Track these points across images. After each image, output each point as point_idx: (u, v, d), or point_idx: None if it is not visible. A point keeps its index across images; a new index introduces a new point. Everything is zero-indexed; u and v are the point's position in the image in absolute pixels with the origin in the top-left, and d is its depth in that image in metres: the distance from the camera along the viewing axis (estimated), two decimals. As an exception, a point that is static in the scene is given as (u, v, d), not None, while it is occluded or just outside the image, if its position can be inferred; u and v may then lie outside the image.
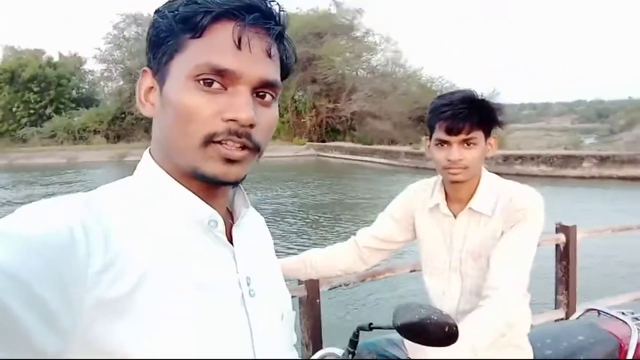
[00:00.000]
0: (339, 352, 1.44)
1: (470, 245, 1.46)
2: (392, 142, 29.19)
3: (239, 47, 0.59)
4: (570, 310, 2.85)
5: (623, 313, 1.86)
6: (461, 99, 1.39)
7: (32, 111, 38.14)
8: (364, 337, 1.37)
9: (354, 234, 1.73)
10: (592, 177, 16.23)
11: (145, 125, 33.38)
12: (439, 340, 1.04)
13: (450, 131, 1.38)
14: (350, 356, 1.29)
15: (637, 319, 1.83)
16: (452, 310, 1.48)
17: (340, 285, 2.19)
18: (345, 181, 18.41)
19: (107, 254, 0.52)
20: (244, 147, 0.60)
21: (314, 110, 34.20)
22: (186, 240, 0.62)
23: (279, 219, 11.22)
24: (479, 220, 1.45)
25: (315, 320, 2.10)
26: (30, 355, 0.44)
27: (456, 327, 1.04)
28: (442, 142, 1.42)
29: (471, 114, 1.37)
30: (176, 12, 0.60)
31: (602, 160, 16.61)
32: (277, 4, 0.63)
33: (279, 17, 0.63)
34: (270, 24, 0.61)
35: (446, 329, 1.03)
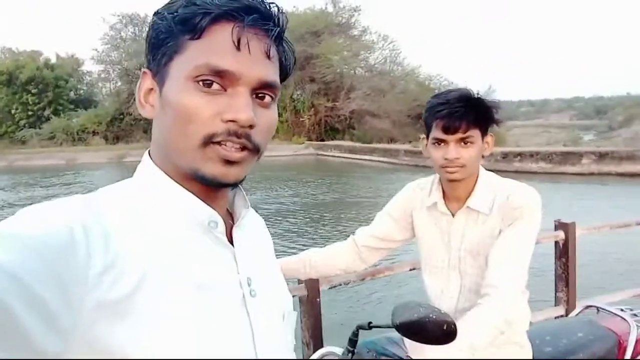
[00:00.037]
0: (339, 351, 1.45)
1: (469, 244, 1.46)
2: (391, 140, 29.22)
3: (238, 48, 0.59)
4: (569, 307, 2.85)
5: (622, 310, 1.86)
6: (457, 98, 1.39)
7: (30, 113, 38.16)
8: (365, 336, 1.38)
9: (354, 233, 1.74)
10: (591, 174, 16.25)
11: (144, 126, 33.40)
12: (437, 339, 1.05)
13: (447, 130, 1.38)
14: (350, 355, 1.29)
15: (635, 315, 1.83)
16: (451, 308, 1.48)
17: (340, 284, 2.19)
18: (345, 180, 18.42)
19: (107, 255, 0.52)
20: (243, 148, 0.61)
21: (312, 109, 34.22)
22: (186, 241, 0.61)
23: (280, 218, 11.23)
24: (476, 218, 1.46)
25: (316, 320, 2.11)
26: (30, 355, 0.44)
27: (454, 326, 1.05)
28: (439, 141, 1.42)
29: (467, 113, 1.37)
30: (175, 13, 0.60)
31: (601, 156, 16.63)
32: (276, 5, 0.63)
33: (278, 19, 0.63)
34: (269, 25, 0.61)
35: (445, 327, 1.04)
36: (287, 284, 0.82)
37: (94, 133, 36.82)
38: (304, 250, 1.78)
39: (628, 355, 1.68)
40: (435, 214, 1.54)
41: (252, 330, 0.64)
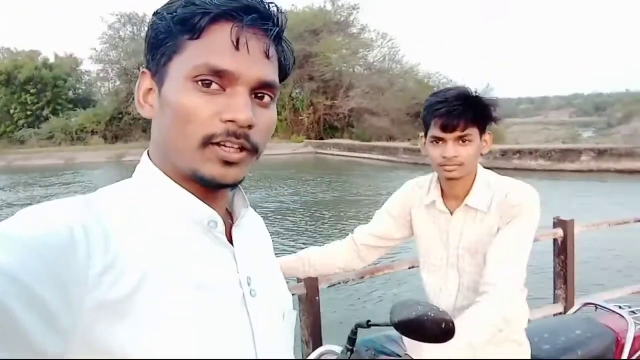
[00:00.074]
0: (338, 349, 1.45)
1: (467, 242, 1.47)
2: (390, 138, 29.21)
3: (237, 48, 0.59)
4: (568, 304, 2.85)
5: (620, 307, 1.86)
6: (455, 96, 1.39)
7: (29, 112, 38.13)
8: (364, 334, 1.38)
9: (353, 231, 1.74)
10: (590, 171, 16.25)
11: (142, 125, 33.35)
12: (435, 337, 1.05)
13: (445, 128, 1.39)
14: (348, 353, 1.30)
15: (633, 312, 1.84)
16: (450, 306, 1.48)
17: (339, 283, 2.20)
18: (345, 178, 18.41)
19: (107, 255, 0.52)
20: (242, 149, 0.61)
21: (311, 107, 34.19)
22: (186, 241, 0.62)
23: (279, 217, 11.21)
24: (475, 216, 1.46)
25: (315, 318, 2.11)
26: (30, 355, 0.44)
27: (452, 324, 1.05)
28: (437, 139, 1.42)
29: (465, 111, 1.37)
30: (174, 13, 0.60)
31: (600, 153, 16.63)
32: (275, 5, 0.63)
33: (277, 18, 0.63)
34: (268, 24, 0.61)
35: (443, 325, 1.04)
36: (286, 282, 0.82)
37: (93, 132, 36.78)
38: (304, 249, 1.79)
39: (626, 352, 1.68)
40: (433, 212, 1.54)
41: (252, 329, 0.64)
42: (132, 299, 0.53)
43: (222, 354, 0.59)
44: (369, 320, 1.24)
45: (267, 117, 0.64)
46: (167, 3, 0.63)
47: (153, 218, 0.61)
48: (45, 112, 38.16)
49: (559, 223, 2.94)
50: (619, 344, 1.70)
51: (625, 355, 1.69)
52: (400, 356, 1.57)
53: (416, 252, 1.65)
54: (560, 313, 2.85)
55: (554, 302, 2.98)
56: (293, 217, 11.42)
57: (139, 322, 0.53)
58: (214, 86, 0.59)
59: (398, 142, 26.18)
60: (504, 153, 18.03)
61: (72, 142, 36.01)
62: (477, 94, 1.42)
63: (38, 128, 36.97)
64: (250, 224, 0.75)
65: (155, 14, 0.63)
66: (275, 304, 0.71)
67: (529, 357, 1.52)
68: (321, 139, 32.86)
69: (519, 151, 18.25)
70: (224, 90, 0.60)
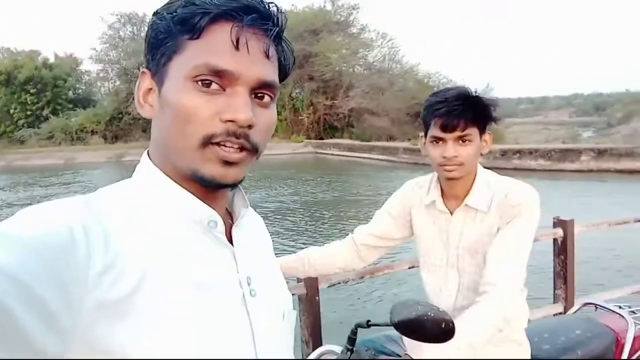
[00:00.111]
0: (338, 349, 1.45)
1: (467, 242, 1.47)
2: (390, 138, 29.21)
3: (237, 48, 0.59)
4: (568, 304, 2.85)
5: (620, 307, 1.86)
6: (455, 96, 1.39)
7: (29, 112, 38.15)
8: (364, 334, 1.38)
9: (353, 231, 1.74)
10: (590, 171, 16.25)
11: (142, 125, 33.35)
12: (435, 337, 1.05)
13: (445, 128, 1.39)
14: (348, 353, 1.30)
15: (633, 312, 1.84)
16: (450, 306, 1.48)
17: (339, 283, 2.20)
18: (345, 178, 18.40)
19: (107, 254, 0.52)
20: (242, 149, 0.61)
21: (311, 107, 34.19)
22: (186, 241, 0.62)
23: (280, 217, 11.21)
24: (474, 216, 1.46)
25: (315, 318, 2.11)
26: (30, 355, 0.44)
27: (452, 324, 1.05)
28: (437, 139, 1.42)
29: (465, 111, 1.37)
30: (174, 13, 0.60)
31: (600, 153, 16.63)
32: (275, 5, 0.63)
33: (277, 18, 0.63)
34: (268, 25, 0.61)
35: (443, 326, 1.04)
36: (286, 282, 0.82)
37: (93, 132, 36.78)
38: (304, 249, 1.79)
39: (625, 352, 1.68)
40: (433, 212, 1.54)
41: (252, 329, 0.64)
42: (132, 299, 0.53)
43: (222, 354, 0.59)
44: (369, 320, 1.24)
45: (267, 117, 0.64)
46: (167, 3, 0.63)
47: (153, 218, 0.61)
48: (45, 112, 38.18)
49: (559, 223, 2.94)
50: (619, 344, 1.70)
51: (625, 355, 1.69)
52: (400, 356, 1.57)
53: (416, 252, 1.65)
54: (560, 313, 2.85)
55: (554, 302, 2.98)
56: (293, 217, 11.41)
57: (139, 322, 0.53)
58: (214, 86, 0.59)
59: (398, 142, 26.18)
60: (504, 153, 18.03)
61: (72, 142, 36.02)
62: (477, 94, 1.42)
63: (38, 128, 36.98)
64: (250, 224, 0.75)
65: (155, 14, 0.63)
66: (275, 304, 0.71)
67: (529, 357, 1.52)
68: (321, 139, 32.86)
69: (519, 151, 18.26)
70: (224, 90, 0.60)
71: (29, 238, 0.48)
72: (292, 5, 36.56)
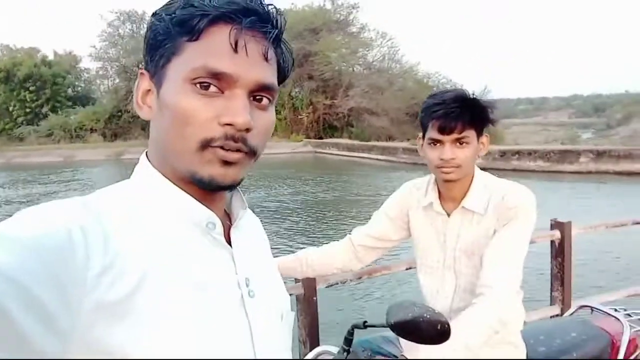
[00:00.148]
0: (335, 349, 1.45)
1: (464, 244, 1.47)
2: (390, 138, 29.19)
3: (235, 50, 0.59)
4: (565, 306, 2.86)
5: (616, 310, 1.87)
6: (453, 98, 1.39)
7: (28, 110, 38.07)
8: (361, 335, 1.38)
9: (351, 232, 1.74)
10: (589, 172, 16.25)
11: (142, 123, 33.17)
12: (431, 338, 1.06)
13: (442, 130, 1.39)
14: (345, 354, 1.30)
15: (629, 315, 1.85)
16: (446, 308, 1.49)
17: (337, 283, 2.20)
18: (345, 178, 18.38)
19: (106, 255, 0.52)
20: (239, 151, 0.61)
21: (310, 106, 34.13)
22: (185, 242, 0.62)
23: (279, 217, 11.20)
24: (472, 218, 1.47)
25: (312, 318, 2.12)
26: (29, 356, 0.44)
27: (448, 325, 1.05)
28: (434, 141, 1.43)
29: (463, 113, 1.38)
30: (173, 15, 0.60)
31: (599, 155, 16.62)
32: (274, 7, 0.63)
33: (276, 21, 0.63)
34: (267, 27, 0.61)
35: (438, 327, 1.05)
36: (284, 282, 0.82)
37: (92, 130, 36.67)
38: (302, 248, 1.79)
39: (621, 355, 1.69)
40: (431, 213, 1.55)
41: (251, 330, 0.64)
42: (131, 299, 0.53)
43: (221, 354, 0.59)
44: (365, 321, 1.25)
45: (266, 120, 0.64)
46: (166, 4, 0.62)
47: (152, 219, 0.61)
48: (45, 109, 38.09)
49: (556, 225, 2.94)
50: (614, 347, 1.71)
51: (620, 357, 1.70)
52: (397, 357, 1.57)
53: (413, 253, 1.65)
54: (557, 315, 2.85)
55: (550, 304, 2.99)
56: (293, 217, 11.40)
57: (138, 322, 0.53)
58: (212, 89, 0.59)
59: (397, 142, 26.16)
60: (503, 154, 18.03)
61: (71, 139, 35.92)
62: (474, 96, 1.42)
63: (37, 125, 36.86)
64: (249, 225, 0.75)
65: (154, 15, 0.63)
66: (273, 304, 0.71)
67: (525, 359, 1.52)
68: (320, 138, 32.82)
69: (518, 152, 18.25)
70: (223, 92, 0.60)
71: (27, 239, 0.48)
72: (292, 3, 36.63)
